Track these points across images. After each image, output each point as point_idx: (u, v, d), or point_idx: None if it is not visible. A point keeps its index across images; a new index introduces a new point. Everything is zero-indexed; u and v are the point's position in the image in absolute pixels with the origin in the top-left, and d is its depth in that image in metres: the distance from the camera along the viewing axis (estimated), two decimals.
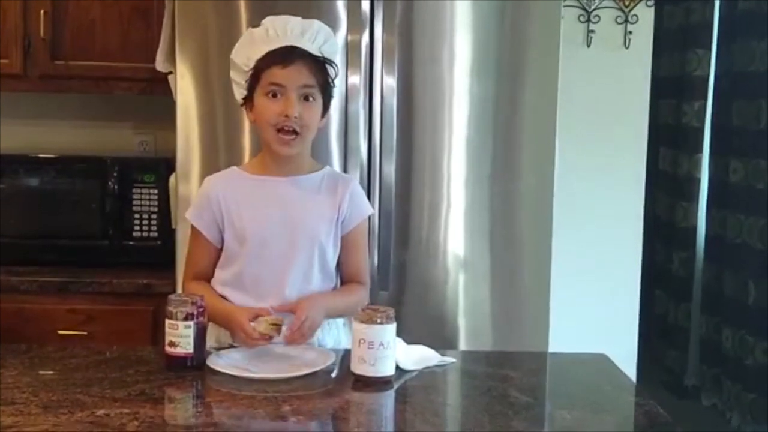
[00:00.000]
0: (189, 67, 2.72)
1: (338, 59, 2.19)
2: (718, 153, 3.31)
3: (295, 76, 2.05)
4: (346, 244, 2.18)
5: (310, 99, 2.07)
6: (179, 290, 2.64)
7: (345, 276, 2.21)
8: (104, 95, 3.30)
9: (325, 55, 2.11)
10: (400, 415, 1.85)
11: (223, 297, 2.14)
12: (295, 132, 2.06)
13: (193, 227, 2.19)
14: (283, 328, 2.00)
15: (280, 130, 2.06)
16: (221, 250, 2.17)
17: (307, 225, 2.13)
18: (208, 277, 2.20)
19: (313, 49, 2.09)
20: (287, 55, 2.06)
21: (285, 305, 2.07)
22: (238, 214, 2.13)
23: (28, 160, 3.17)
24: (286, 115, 2.04)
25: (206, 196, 2.17)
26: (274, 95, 2.06)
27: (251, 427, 1.68)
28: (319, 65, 2.08)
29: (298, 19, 2.12)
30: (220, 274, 2.18)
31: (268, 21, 2.12)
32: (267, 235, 2.12)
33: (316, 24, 2.12)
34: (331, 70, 2.11)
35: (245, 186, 2.16)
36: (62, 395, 1.77)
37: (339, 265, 2.20)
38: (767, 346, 2.93)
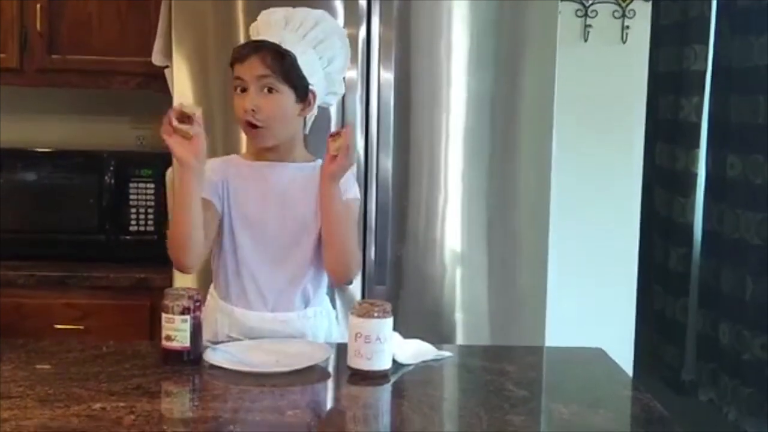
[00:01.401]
0: (186, 61, 2.72)
1: (336, 41, 2.16)
2: (715, 148, 3.31)
3: (250, 70, 2.08)
4: None
5: (273, 91, 2.08)
6: (176, 284, 2.65)
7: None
8: (101, 90, 3.29)
9: (317, 42, 2.12)
10: (396, 409, 1.85)
11: (223, 280, 2.17)
12: (257, 126, 2.09)
13: None
14: (197, 114, 1.98)
15: (247, 125, 2.11)
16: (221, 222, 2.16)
17: (297, 209, 2.16)
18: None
19: (293, 39, 2.09)
20: (243, 50, 2.10)
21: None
22: (234, 195, 2.15)
23: (25, 155, 3.17)
24: (245, 110, 2.08)
25: (212, 170, 2.14)
26: (243, 90, 2.09)
27: (248, 420, 1.68)
28: (277, 56, 2.08)
29: (286, 10, 2.14)
30: (215, 251, 2.19)
31: (260, 15, 2.16)
32: (259, 217, 2.15)
33: (300, 12, 2.13)
34: (290, 59, 2.08)
35: (242, 170, 2.19)
36: (59, 389, 1.77)
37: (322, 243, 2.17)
38: (764, 341, 2.94)
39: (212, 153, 2.69)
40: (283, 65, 2.08)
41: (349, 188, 2.21)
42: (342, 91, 2.27)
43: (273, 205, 2.15)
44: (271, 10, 2.15)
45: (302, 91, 2.12)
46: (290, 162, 2.18)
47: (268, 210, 2.15)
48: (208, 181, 2.13)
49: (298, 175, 2.18)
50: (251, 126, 2.09)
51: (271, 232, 2.15)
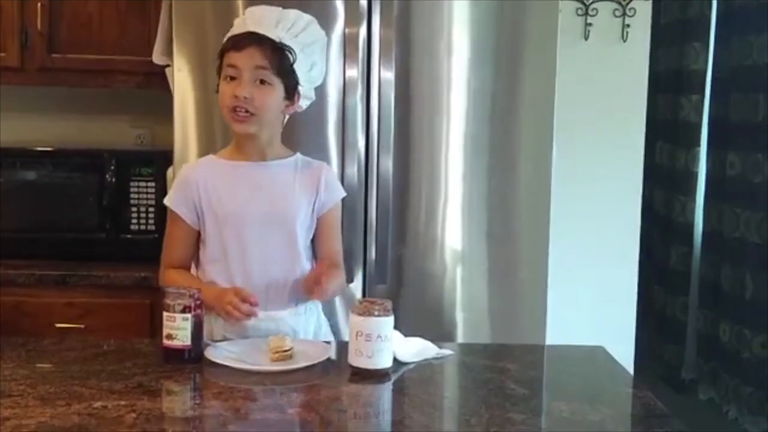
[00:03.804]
0: (186, 59, 2.72)
1: (319, 47, 2.20)
2: (715, 147, 3.31)
3: (248, 59, 2.09)
4: (322, 225, 2.24)
5: (266, 83, 2.10)
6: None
7: (322, 257, 2.24)
8: (101, 88, 3.30)
9: (304, 45, 2.14)
10: (397, 407, 1.85)
11: (215, 281, 2.19)
12: (248, 112, 2.10)
13: (171, 213, 2.23)
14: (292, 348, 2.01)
15: (233, 111, 2.11)
16: (199, 234, 2.21)
17: (284, 205, 2.18)
18: (186, 264, 2.24)
19: (286, 38, 2.11)
20: (243, 39, 2.11)
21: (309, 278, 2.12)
22: (216, 197, 2.18)
23: (26, 154, 3.17)
24: (236, 96, 2.08)
25: (184, 182, 2.22)
26: (232, 78, 2.11)
27: (249, 419, 1.68)
28: (276, 50, 2.10)
29: (277, 9, 2.16)
30: (204, 255, 2.21)
31: (248, 11, 2.18)
32: (245, 216, 2.16)
33: (292, 13, 2.16)
34: (288, 56, 2.12)
35: (221, 170, 2.21)
36: (60, 387, 1.77)
37: (315, 246, 2.25)
38: (764, 340, 2.93)
39: (210, 148, 2.67)
40: (282, 61, 2.11)
41: (337, 191, 2.27)
42: (314, 98, 2.28)
43: (259, 204, 2.17)
44: (261, 7, 2.18)
45: (292, 88, 2.15)
46: (270, 159, 2.21)
47: (252, 207, 2.17)
48: (189, 204, 2.19)
49: (280, 171, 2.21)
50: (240, 113, 2.10)
51: (255, 229, 2.16)
